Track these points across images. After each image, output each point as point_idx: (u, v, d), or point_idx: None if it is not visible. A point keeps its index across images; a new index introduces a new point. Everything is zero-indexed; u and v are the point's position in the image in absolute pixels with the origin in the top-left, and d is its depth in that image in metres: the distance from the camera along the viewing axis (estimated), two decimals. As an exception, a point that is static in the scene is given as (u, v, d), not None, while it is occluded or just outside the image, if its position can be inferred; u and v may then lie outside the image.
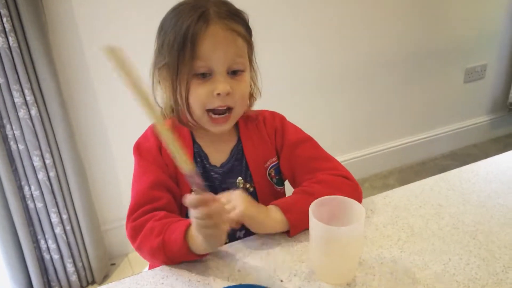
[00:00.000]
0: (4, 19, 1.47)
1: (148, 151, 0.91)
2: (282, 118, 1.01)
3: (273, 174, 0.98)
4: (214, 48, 0.81)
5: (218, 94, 0.82)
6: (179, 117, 0.91)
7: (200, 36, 0.80)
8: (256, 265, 0.78)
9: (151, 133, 0.93)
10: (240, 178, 0.95)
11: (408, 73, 2.49)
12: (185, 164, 0.65)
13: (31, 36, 1.54)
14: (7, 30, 1.49)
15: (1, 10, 1.46)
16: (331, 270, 0.74)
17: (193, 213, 0.68)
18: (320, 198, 0.74)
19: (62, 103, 1.65)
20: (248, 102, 0.95)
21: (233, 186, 0.94)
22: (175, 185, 0.90)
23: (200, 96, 0.84)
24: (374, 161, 2.55)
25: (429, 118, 2.69)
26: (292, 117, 1.02)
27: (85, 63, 1.74)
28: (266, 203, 0.86)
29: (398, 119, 2.58)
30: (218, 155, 0.95)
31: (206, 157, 0.94)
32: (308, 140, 0.98)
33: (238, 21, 0.84)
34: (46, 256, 1.80)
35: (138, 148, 0.92)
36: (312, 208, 0.72)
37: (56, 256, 1.80)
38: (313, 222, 0.70)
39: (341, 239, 0.70)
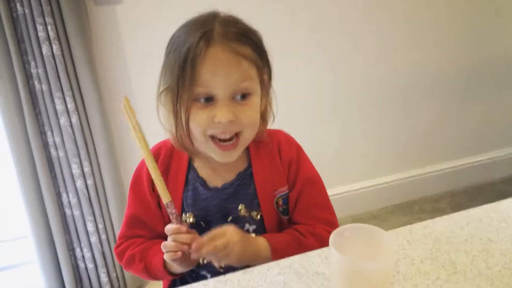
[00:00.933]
0: (49, 27, 1.50)
1: (137, 185, 0.93)
2: (298, 149, 0.94)
3: (280, 203, 0.91)
4: (214, 72, 0.75)
5: (219, 122, 0.77)
6: (182, 142, 0.85)
7: (199, 60, 0.74)
8: (270, 296, 0.70)
9: (141, 170, 0.92)
10: (242, 205, 0.88)
11: (465, 92, 2.32)
12: (164, 194, 0.76)
13: (74, 44, 1.55)
14: (51, 38, 1.51)
15: (46, 18, 1.48)
16: (353, 310, 0.64)
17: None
18: (342, 227, 0.65)
19: (103, 111, 1.66)
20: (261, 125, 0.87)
21: (232, 211, 0.88)
22: (155, 219, 0.91)
23: (200, 122, 0.78)
24: (425, 183, 2.38)
25: (486, 140, 2.48)
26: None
27: (127, 73, 1.74)
28: (272, 231, 0.88)
29: (452, 139, 2.40)
30: (219, 178, 0.89)
31: (202, 181, 0.89)
32: (317, 182, 0.93)
33: (245, 42, 0.77)
34: (81, 265, 1.80)
35: (134, 177, 0.94)
36: (333, 238, 0.63)
37: (90, 265, 1.79)
38: (333, 254, 0.61)
39: (367, 275, 0.60)
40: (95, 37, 1.65)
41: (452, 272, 0.73)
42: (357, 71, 2.07)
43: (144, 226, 0.92)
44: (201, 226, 0.89)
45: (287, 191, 0.92)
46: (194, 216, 0.89)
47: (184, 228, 0.77)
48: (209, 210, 0.89)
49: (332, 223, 0.92)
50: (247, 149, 0.90)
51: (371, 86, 2.13)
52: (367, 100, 2.15)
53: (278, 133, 0.95)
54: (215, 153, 0.82)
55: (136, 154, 1.81)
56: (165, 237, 0.80)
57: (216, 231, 0.79)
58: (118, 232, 1.76)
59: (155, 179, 0.77)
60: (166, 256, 0.79)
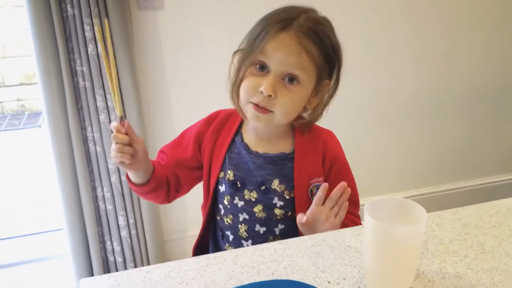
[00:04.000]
0: (95, 28, 1.59)
1: (187, 133, 1.05)
2: (344, 158, 1.02)
3: (314, 192, 0.97)
4: (277, 49, 0.85)
5: (261, 92, 0.85)
6: (232, 96, 0.94)
7: (271, 36, 0.85)
8: (304, 264, 0.74)
9: (198, 124, 1.04)
10: (277, 180, 0.96)
11: (500, 108, 2.32)
12: (117, 109, 0.86)
13: (118, 45, 1.64)
14: (97, 38, 1.60)
15: (94, 19, 1.58)
16: (383, 276, 0.68)
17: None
18: (376, 199, 0.69)
19: (140, 110, 1.73)
20: (311, 116, 0.97)
21: (266, 182, 0.96)
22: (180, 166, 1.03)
23: (249, 84, 0.88)
24: (457, 198, 2.38)
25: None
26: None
27: (164, 75, 1.82)
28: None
29: (486, 155, 2.40)
30: (262, 148, 0.98)
31: (246, 146, 0.99)
32: (354, 186, 1.02)
33: (314, 40, 0.86)
34: (111, 258, 1.85)
35: (188, 127, 1.07)
36: (368, 207, 0.67)
37: (119, 259, 1.85)
38: (368, 220, 0.65)
39: (397, 240, 0.64)
40: (136, 39, 1.74)
41: (480, 252, 0.76)
42: (383, 84, 2.11)
43: (166, 156, 1.05)
44: (236, 186, 0.98)
45: (322, 183, 0.97)
46: (234, 175, 0.98)
47: (123, 129, 0.86)
48: (246, 173, 0.97)
49: (359, 216, 1.03)
50: (294, 136, 0.99)
51: (405, 97, 2.16)
52: (401, 111, 2.18)
53: (328, 132, 1.04)
54: (250, 114, 0.91)
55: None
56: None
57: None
58: (148, 228, 1.83)
59: (114, 95, 0.87)
60: (112, 160, 0.90)
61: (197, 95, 1.85)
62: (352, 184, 1.01)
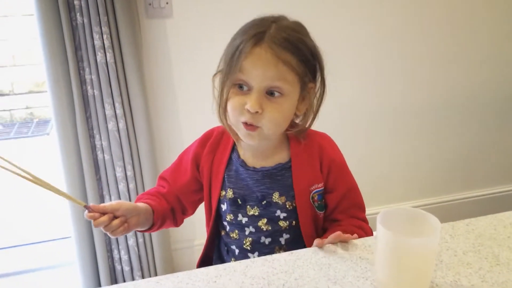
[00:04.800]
0: (104, 36, 1.60)
1: (185, 156, 1.06)
2: (341, 159, 1.01)
3: (316, 198, 0.97)
4: (254, 66, 0.84)
5: (248, 110, 0.85)
6: (220, 117, 0.94)
7: (245, 54, 0.84)
8: (315, 275, 0.72)
9: (194, 145, 1.05)
10: (277, 193, 0.95)
11: (506, 116, 2.30)
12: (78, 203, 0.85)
13: (126, 53, 1.65)
14: (106, 46, 1.61)
15: (103, 28, 1.59)
16: (397, 289, 0.66)
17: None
18: (388, 209, 0.68)
19: (148, 118, 1.73)
20: (302, 120, 0.96)
21: (267, 196, 0.95)
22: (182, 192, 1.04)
23: (234, 105, 0.88)
24: (464, 208, 2.35)
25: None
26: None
27: (172, 83, 1.82)
28: (306, 224, 0.96)
29: (492, 164, 2.38)
30: (258, 162, 0.97)
31: (242, 162, 0.98)
32: (355, 188, 1.01)
33: (290, 50, 0.84)
34: (118, 267, 1.84)
35: (185, 150, 1.08)
36: (380, 217, 0.66)
37: (126, 268, 1.84)
38: (380, 231, 0.64)
39: (411, 251, 0.63)
40: (145, 47, 1.75)
41: (494, 264, 0.74)
42: (390, 93, 2.10)
43: (168, 184, 1.06)
44: (237, 203, 0.97)
45: (322, 188, 0.98)
46: (233, 193, 0.97)
47: (96, 214, 0.85)
48: (246, 189, 0.97)
49: (366, 220, 1.01)
50: (289, 144, 0.98)
51: (412, 106, 2.15)
52: (402, 122, 2.16)
53: (323, 136, 1.02)
54: (243, 133, 0.90)
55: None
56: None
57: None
58: (155, 237, 1.83)
59: (64, 196, 0.86)
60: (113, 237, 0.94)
61: (206, 102, 1.83)
62: (352, 186, 1.00)
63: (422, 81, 2.12)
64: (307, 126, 0.96)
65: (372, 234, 0.95)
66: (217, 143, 1.02)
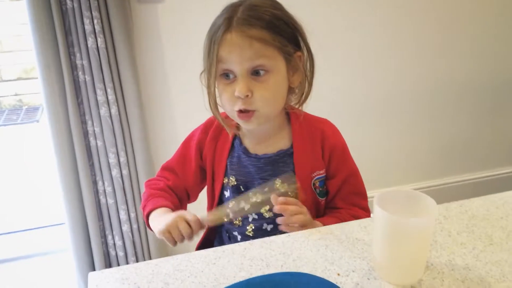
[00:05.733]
0: (95, 21, 1.58)
1: (189, 145, 1.05)
2: (343, 142, 1.01)
3: (317, 185, 0.97)
4: (230, 52, 0.85)
5: (238, 96, 0.86)
6: (215, 114, 0.95)
7: (219, 42, 0.85)
8: (313, 256, 0.73)
9: (196, 132, 1.05)
10: (279, 180, 0.95)
11: (499, 101, 2.33)
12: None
13: (118, 38, 1.63)
14: (97, 31, 1.59)
15: (93, 12, 1.56)
16: (394, 268, 0.67)
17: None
18: (384, 190, 0.68)
19: (140, 104, 1.72)
20: (299, 99, 0.95)
21: (269, 183, 0.94)
22: (188, 174, 1.04)
23: (226, 96, 0.89)
24: (457, 192, 2.39)
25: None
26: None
27: (164, 68, 1.81)
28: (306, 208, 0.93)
29: (485, 149, 2.41)
30: (260, 149, 0.98)
31: (245, 149, 0.98)
32: (356, 174, 1.01)
33: (263, 26, 0.84)
34: (112, 252, 1.85)
35: (188, 136, 1.07)
36: (377, 199, 0.67)
37: (121, 253, 1.84)
38: (378, 212, 0.65)
39: (408, 232, 0.64)
40: (136, 33, 1.73)
41: (488, 243, 0.76)
42: (386, 77, 2.11)
43: (175, 176, 1.05)
44: (240, 190, 0.98)
45: (324, 175, 0.98)
46: (236, 180, 0.98)
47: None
48: (248, 176, 0.97)
49: (367, 209, 1.01)
50: (290, 129, 0.98)
51: (407, 92, 2.16)
52: (398, 107, 2.18)
53: (324, 121, 1.02)
54: (240, 122, 0.92)
55: (169, 147, 1.88)
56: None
57: (291, 199, 0.86)
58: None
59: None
60: (158, 234, 0.91)
61: (198, 89, 1.83)
62: (353, 172, 1.00)
63: (417, 66, 2.13)
64: (304, 96, 0.95)
65: None
66: (220, 129, 1.02)
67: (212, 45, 0.85)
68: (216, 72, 0.87)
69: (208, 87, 0.90)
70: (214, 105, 0.92)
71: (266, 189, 0.95)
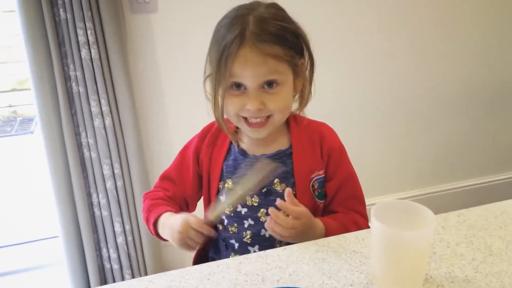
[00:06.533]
0: (89, 32, 1.57)
1: (186, 153, 1.05)
2: (341, 144, 1.01)
3: (316, 186, 0.97)
4: (244, 68, 0.84)
5: (249, 109, 0.87)
6: (219, 122, 0.95)
7: (231, 58, 0.84)
8: (310, 270, 0.72)
9: (194, 140, 1.05)
10: (277, 180, 0.95)
11: (493, 107, 2.33)
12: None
13: (111, 49, 1.62)
14: (90, 42, 1.58)
15: (87, 23, 1.55)
16: (392, 281, 0.66)
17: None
18: (383, 202, 0.67)
19: (134, 114, 1.71)
20: (300, 103, 0.97)
21: (267, 184, 0.94)
22: (186, 182, 1.04)
23: (233, 107, 0.89)
24: (452, 198, 2.38)
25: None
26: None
27: (158, 79, 1.80)
28: None
29: (480, 155, 2.40)
30: (258, 150, 0.98)
31: (242, 151, 0.98)
32: (355, 178, 1.01)
33: (276, 42, 0.85)
34: (107, 265, 1.82)
35: (185, 145, 1.07)
36: (375, 210, 0.65)
37: (116, 266, 1.82)
38: (375, 225, 0.64)
39: (406, 245, 0.63)
40: (130, 43, 1.72)
41: (487, 254, 0.75)
42: (383, 83, 2.11)
43: (174, 185, 1.05)
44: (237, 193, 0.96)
45: (323, 175, 0.97)
46: (233, 183, 0.97)
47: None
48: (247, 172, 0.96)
49: (365, 216, 0.99)
50: (289, 131, 0.98)
51: (401, 97, 2.16)
52: (394, 112, 2.17)
53: (322, 124, 1.03)
54: (246, 130, 0.93)
55: (164, 157, 1.87)
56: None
57: (295, 209, 0.84)
58: (144, 235, 1.81)
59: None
60: (176, 243, 0.90)
61: (192, 98, 1.82)
62: (350, 175, 0.99)
63: (411, 74, 2.13)
64: (306, 97, 0.96)
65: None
66: (217, 135, 1.03)
67: (225, 59, 0.84)
68: (227, 84, 0.87)
69: (215, 96, 0.91)
70: (220, 113, 0.92)
71: (264, 190, 0.94)
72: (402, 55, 2.09)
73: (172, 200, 1.03)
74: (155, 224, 0.97)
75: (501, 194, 2.40)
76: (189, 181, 1.03)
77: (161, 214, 0.96)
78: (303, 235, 0.85)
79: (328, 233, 0.89)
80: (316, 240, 0.80)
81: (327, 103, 2.00)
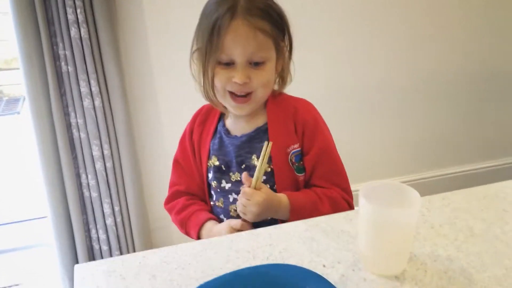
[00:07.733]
0: (78, 10, 1.55)
1: (183, 139, 1.09)
2: (316, 117, 1.03)
3: (294, 160, 0.99)
4: (235, 42, 0.89)
5: (236, 82, 0.91)
6: (207, 94, 0.98)
7: (223, 30, 0.88)
8: (299, 248, 0.74)
9: (188, 124, 1.09)
10: (255, 155, 0.98)
11: (482, 94, 2.37)
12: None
13: (101, 28, 1.61)
14: (80, 21, 1.57)
15: (76, 1, 1.54)
16: (378, 259, 0.69)
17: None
18: (371, 182, 0.69)
19: (124, 95, 1.71)
20: (280, 84, 1.03)
21: (246, 160, 0.99)
22: (190, 166, 1.08)
23: (221, 80, 0.93)
24: (438, 185, 2.43)
25: (504, 145, 2.53)
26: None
27: (149, 58, 1.80)
28: (283, 185, 0.98)
29: (467, 143, 2.45)
30: (240, 129, 1.02)
31: (226, 131, 1.03)
32: (332, 150, 1.02)
33: (264, 17, 0.90)
34: (96, 246, 1.84)
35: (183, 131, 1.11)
36: (363, 191, 0.67)
37: (105, 247, 1.83)
38: (362, 203, 0.66)
39: (392, 222, 0.65)
40: (120, 22, 1.71)
41: (469, 235, 0.78)
42: (374, 71, 2.13)
43: (183, 172, 1.10)
44: (222, 169, 1.02)
45: (299, 149, 1.00)
46: (218, 160, 1.02)
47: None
48: (228, 156, 1.01)
49: (347, 191, 1.02)
50: (266, 108, 1.02)
51: (384, 87, 2.18)
52: (381, 101, 2.20)
53: (299, 100, 1.06)
54: (231, 105, 0.97)
55: (154, 139, 1.87)
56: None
57: (246, 189, 0.90)
58: (133, 216, 1.81)
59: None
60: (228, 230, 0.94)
61: (183, 76, 1.81)
62: (327, 147, 1.01)
63: (400, 62, 2.16)
64: (285, 79, 1.02)
65: (344, 210, 0.95)
66: (207, 116, 1.07)
67: (217, 30, 0.88)
68: (216, 59, 0.90)
69: (204, 71, 0.94)
70: (210, 87, 0.95)
71: (243, 166, 0.98)
72: (392, 43, 2.10)
73: (190, 195, 1.09)
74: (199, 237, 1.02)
75: (487, 181, 2.47)
76: (191, 163, 1.08)
77: (200, 226, 1.01)
78: (265, 212, 0.90)
79: (293, 206, 0.93)
80: (305, 220, 0.83)
81: (314, 90, 2.01)
